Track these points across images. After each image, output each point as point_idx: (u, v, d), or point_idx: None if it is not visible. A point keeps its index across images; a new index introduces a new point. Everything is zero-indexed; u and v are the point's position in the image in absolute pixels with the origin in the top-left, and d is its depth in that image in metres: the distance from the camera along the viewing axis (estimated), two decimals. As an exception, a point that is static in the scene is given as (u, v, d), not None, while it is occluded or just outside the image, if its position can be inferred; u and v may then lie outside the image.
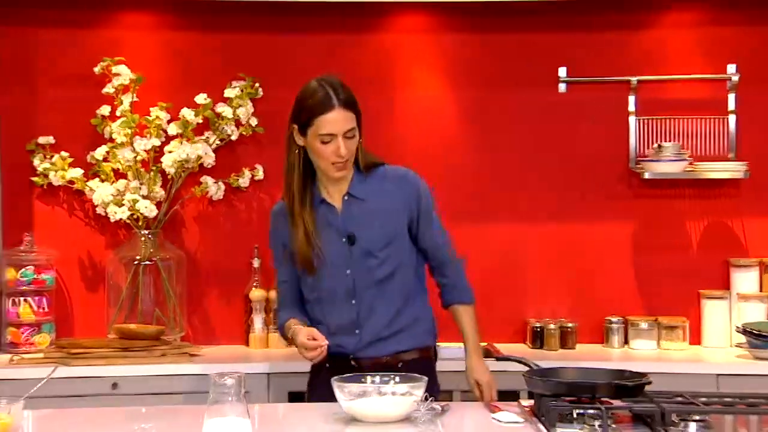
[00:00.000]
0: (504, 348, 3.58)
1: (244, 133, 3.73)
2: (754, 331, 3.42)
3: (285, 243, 2.77)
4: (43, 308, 3.62)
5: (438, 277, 2.86)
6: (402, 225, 2.75)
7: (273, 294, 3.70)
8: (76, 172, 3.66)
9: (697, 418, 2.16)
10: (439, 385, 2.77)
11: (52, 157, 3.69)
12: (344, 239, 2.71)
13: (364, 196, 2.73)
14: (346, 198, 2.74)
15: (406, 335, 2.75)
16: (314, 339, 2.61)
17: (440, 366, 2.85)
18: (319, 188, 2.75)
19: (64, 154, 3.69)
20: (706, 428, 2.14)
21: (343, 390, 2.29)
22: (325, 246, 2.71)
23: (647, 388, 2.30)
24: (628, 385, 2.26)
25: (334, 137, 2.63)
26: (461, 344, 2.83)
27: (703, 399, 2.27)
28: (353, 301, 2.72)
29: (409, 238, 2.78)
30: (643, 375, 2.33)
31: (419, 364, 2.71)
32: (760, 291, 3.71)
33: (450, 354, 3.04)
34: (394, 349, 2.72)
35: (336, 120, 2.63)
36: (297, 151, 2.71)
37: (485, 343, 3.64)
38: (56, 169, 3.67)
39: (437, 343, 2.88)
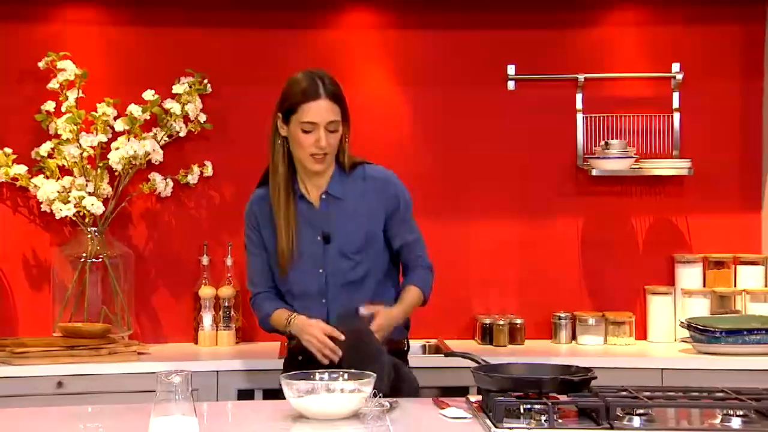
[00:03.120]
0: (453, 344, 3.63)
1: (192, 129, 3.70)
2: (698, 326, 3.48)
3: (261, 229, 2.77)
4: (-13, 307, 3.56)
5: (404, 276, 2.85)
6: (379, 228, 2.76)
7: (223, 291, 3.68)
8: (20, 169, 3.60)
9: (641, 412, 2.20)
10: (416, 379, 2.76)
11: (-5, 153, 3.64)
12: (319, 237, 2.73)
13: (342, 196, 2.74)
14: (323, 196, 2.74)
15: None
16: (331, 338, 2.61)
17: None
18: (299, 183, 2.75)
19: (7, 150, 3.63)
20: (649, 422, 2.18)
21: (291, 387, 2.28)
22: (300, 242, 2.72)
23: (593, 383, 2.33)
24: (574, 380, 2.28)
25: (316, 127, 2.64)
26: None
27: (647, 393, 2.31)
28: (324, 300, 2.75)
29: (384, 241, 2.79)
30: (588, 370, 2.36)
31: (392, 355, 2.68)
32: (704, 286, 3.77)
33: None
34: None
35: (320, 109, 2.64)
36: (280, 142, 2.71)
37: (435, 340, 3.68)
38: (-1, 165, 3.61)
39: (408, 339, 2.88)
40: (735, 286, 3.77)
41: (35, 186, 3.59)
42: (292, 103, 2.66)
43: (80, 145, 3.58)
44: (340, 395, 2.28)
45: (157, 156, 3.64)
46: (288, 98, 2.68)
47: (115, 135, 3.64)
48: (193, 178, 3.73)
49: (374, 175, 2.77)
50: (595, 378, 2.33)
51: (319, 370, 2.42)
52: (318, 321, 2.68)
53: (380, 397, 2.29)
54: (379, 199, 2.75)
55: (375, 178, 2.77)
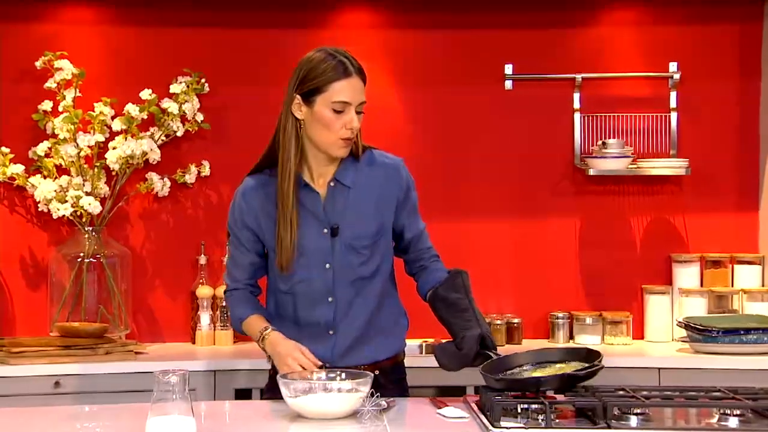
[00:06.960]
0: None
1: (189, 129, 3.70)
2: (695, 326, 3.49)
3: (251, 224, 2.53)
4: (-16, 307, 3.56)
5: (419, 264, 2.63)
6: (390, 219, 2.55)
7: (220, 291, 3.68)
8: (17, 168, 3.60)
9: (638, 411, 2.20)
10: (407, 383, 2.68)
11: (-8, 152, 3.63)
12: (326, 230, 2.49)
13: (351, 184, 2.51)
14: (332, 184, 2.51)
15: (383, 340, 2.57)
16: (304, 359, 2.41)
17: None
18: (303, 171, 2.50)
19: (4, 149, 3.63)
20: (647, 421, 2.18)
21: (288, 386, 2.28)
22: (304, 236, 2.48)
23: (590, 382, 2.33)
24: (580, 375, 2.28)
25: (348, 107, 2.43)
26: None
27: (644, 393, 2.31)
28: (330, 299, 2.52)
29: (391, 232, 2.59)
30: (596, 355, 2.35)
31: (396, 370, 2.63)
32: (701, 286, 3.78)
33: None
34: (371, 357, 2.55)
35: (353, 87, 2.43)
36: (295, 124, 2.46)
37: (432, 339, 3.68)
38: (-3, 164, 3.61)
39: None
40: (732, 285, 3.78)
41: (32, 185, 3.59)
42: (319, 82, 2.42)
43: (77, 144, 3.58)
44: (338, 395, 2.28)
45: (155, 155, 3.64)
46: (313, 77, 2.42)
47: (113, 134, 3.64)
48: (190, 178, 3.73)
49: (383, 160, 2.56)
50: (602, 368, 2.30)
51: (317, 370, 2.42)
52: (297, 344, 2.46)
53: (377, 396, 2.29)
54: (390, 187, 2.54)
55: (385, 165, 2.55)
